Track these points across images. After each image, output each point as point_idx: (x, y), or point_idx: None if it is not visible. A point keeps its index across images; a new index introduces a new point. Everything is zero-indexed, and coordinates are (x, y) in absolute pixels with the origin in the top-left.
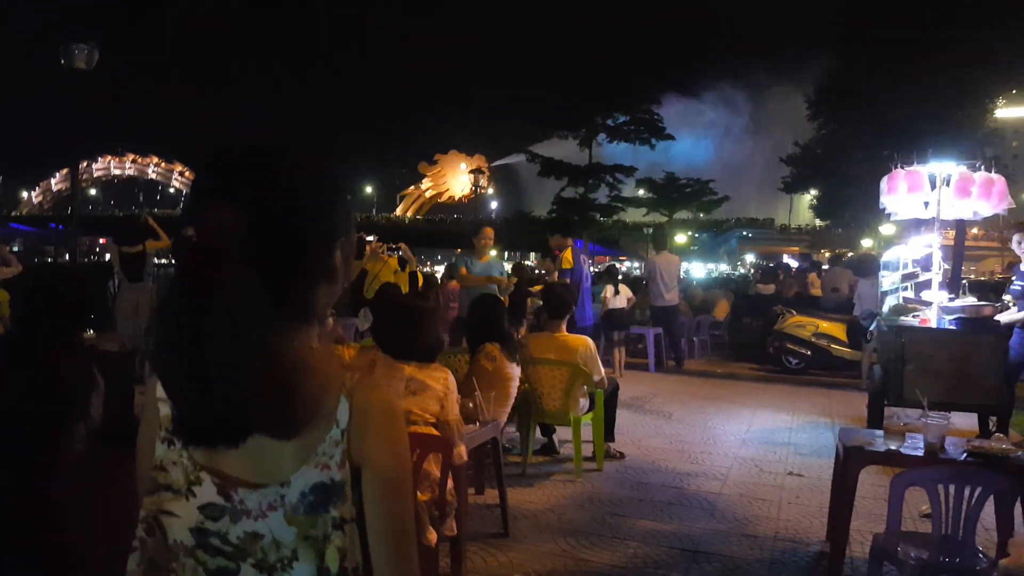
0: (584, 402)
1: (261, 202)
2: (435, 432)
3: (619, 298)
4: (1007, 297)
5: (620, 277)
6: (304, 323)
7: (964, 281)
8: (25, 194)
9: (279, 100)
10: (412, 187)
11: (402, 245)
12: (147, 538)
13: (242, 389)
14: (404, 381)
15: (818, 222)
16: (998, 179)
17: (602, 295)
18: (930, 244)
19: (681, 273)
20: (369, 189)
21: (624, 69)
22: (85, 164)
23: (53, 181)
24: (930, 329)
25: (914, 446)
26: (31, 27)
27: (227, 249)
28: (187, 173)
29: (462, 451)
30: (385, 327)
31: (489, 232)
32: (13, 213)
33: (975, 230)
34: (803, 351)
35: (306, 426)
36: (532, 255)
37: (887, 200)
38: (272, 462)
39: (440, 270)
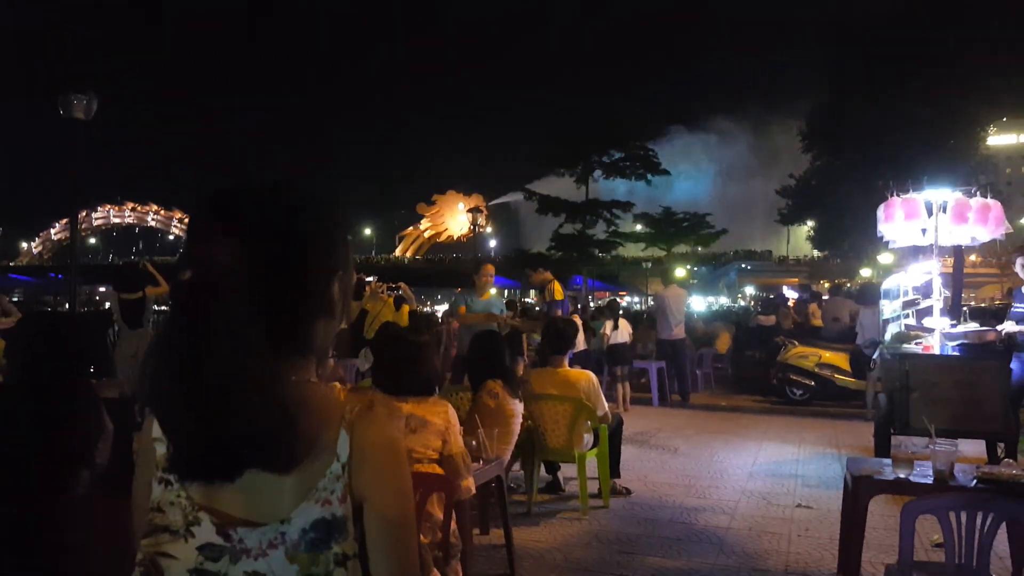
0: (588, 438)
1: (259, 236)
2: (439, 470)
3: (619, 333)
4: (1008, 323)
5: (620, 312)
6: (303, 357)
7: (965, 308)
8: (24, 244)
9: (277, 144)
10: (411, 228)
11: (402, 284)
12: None
13: (239, 421)
14: (403, 419)
15: (816, 253)
16: (994, 204)
17: (602, 331)
18: (929, 271)
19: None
20: (368, 231)
21: (620, 106)
22: (84, 213)
23: (52, 231)
24: (934, 356)
25: (923, 474)
26: (30, 77)
27: (224, 283)
28: (186, 219)
29: (470, 484)
30: (384, 363)
31: (490, 269)
32: (12, 263)
33: (973, 257)
34: (807, 382)
35: (304, 459)
36: (532, 292)
37: (884, 228)
38: (272, 499)
39: (441, 309)
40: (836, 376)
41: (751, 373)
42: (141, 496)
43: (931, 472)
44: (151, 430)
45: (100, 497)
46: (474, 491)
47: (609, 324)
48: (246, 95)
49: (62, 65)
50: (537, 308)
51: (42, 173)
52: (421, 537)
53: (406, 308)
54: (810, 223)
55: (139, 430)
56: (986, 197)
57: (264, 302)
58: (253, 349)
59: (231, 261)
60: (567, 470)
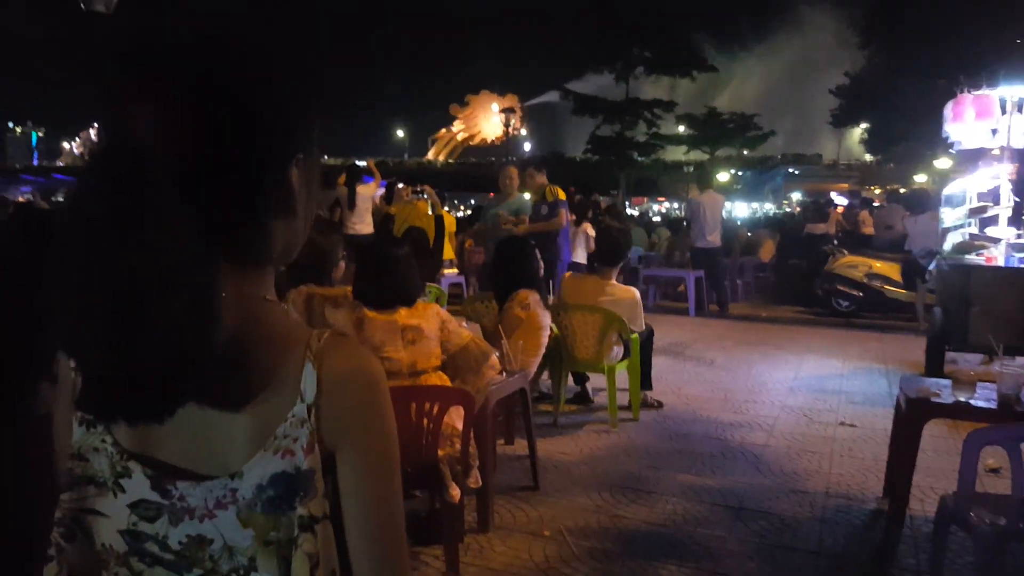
0: (618, 350)
1: (187, 101)
2: (445, 379)
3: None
4: None
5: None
6: (255, 267)
7: None
8: (66, 145)
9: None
10: (443, 130)
11: (426, 187)
12: (66, 545)
13: (167, 343)
14: (400, 331)
15: (868, 157)
16: None
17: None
18: (998, 176)
19: (724, 213)
20: (400, 133)
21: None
22: None
23: (92, 131)
24: (998, 268)
25: (986, 397)
26: None
27: (143, 164)
28: None
29: (495, 362)
30: (368, 275)
31: (511, 171)
32: (58, 163)
33: None
34: (854, 293)
35: (258, 395)
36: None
37: (951, 128)
38: (219, 446)
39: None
40: (886, 287)
41: (795, 283)
42: (63, 438)
43: (995, 396)
44: None
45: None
46: (500, 367)
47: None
48: None
49: None
50: (543, 211)
51: (79, 72)
52: (439, 450)
53: (434, 214)
54: (864, 125)
55: None
56: None
57: (195, 191)
58: (182, 248)
59: (151, 135)
60: (596, 381)
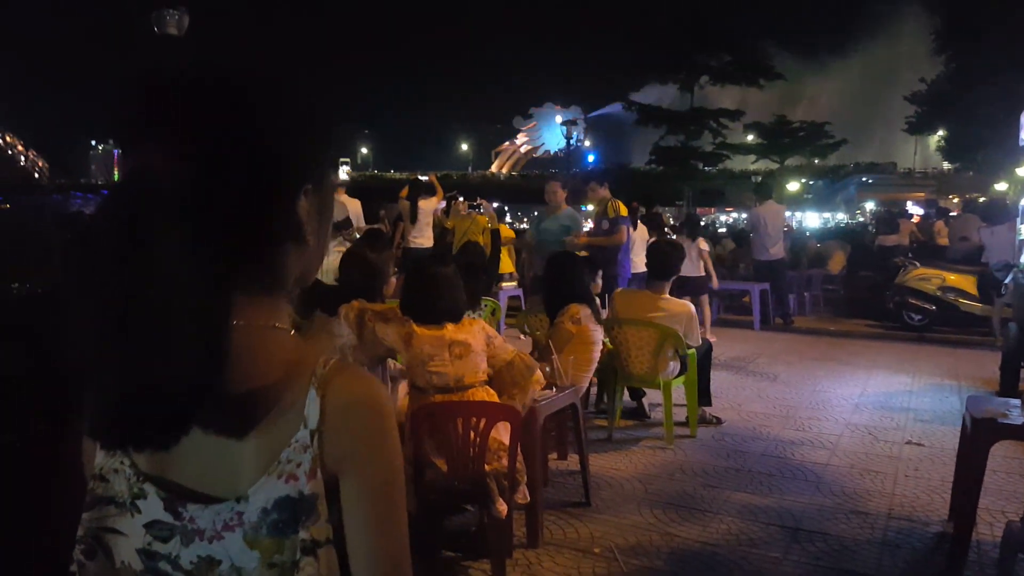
0: (674, 365)
1: (194, 135)
2: (492, 394)
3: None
4: None
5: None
6: (266, 295)
7: None
8: None
9: (370, 57)
10: (507, 143)
11: (482, 201)
12: (87, 562)
13: (173, 373)
14: (447, 346)
15: (946, 165)
16: None
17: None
18: None
19: (790, 223)
20: (464, 146)
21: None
22: None
23: None
24: None
25: None
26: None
27: (153, 198)
28: None
29: (540, 377)
30: (414, 292)
31: (553, 187)
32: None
33: None
34: (927, 306)
35: (263, 421)
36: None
37: None
38: (226, 470)
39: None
40: (960, 300)
41: (866, 296)
42: (92, 459)
43: None
44: None
45: None
46: (544, 382)
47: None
48: (338, 11)
49: None
50: (604, 226)
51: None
52: (486, 466)
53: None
54: (941, 132)
55: None
56: None
57: (203, 224)
58: (187, 280)
59: (161, 170)
60: (653, 396)
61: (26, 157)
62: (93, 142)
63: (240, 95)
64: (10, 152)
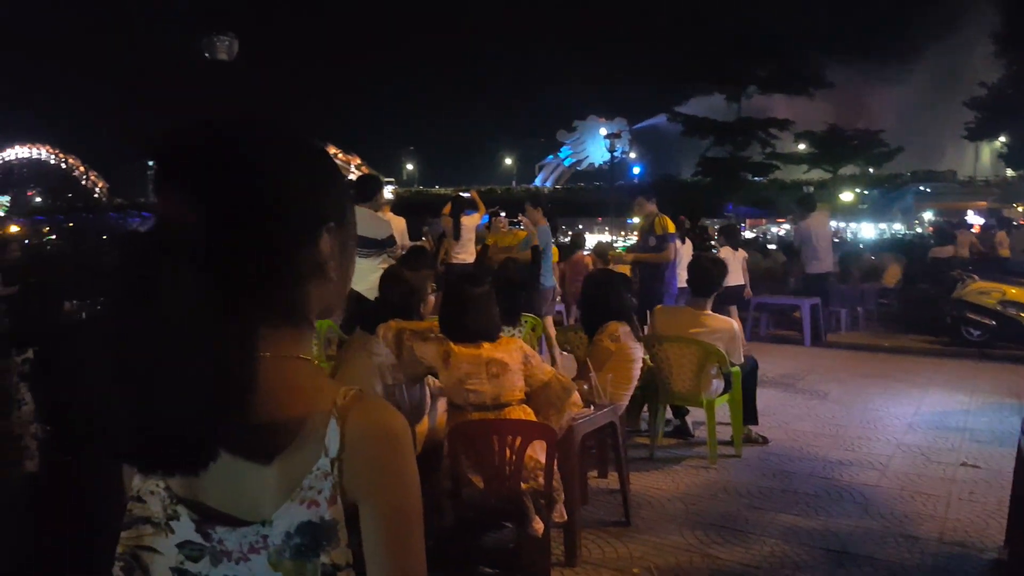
0: (718, 383)
1: (216, 185)
2: (529, 412)
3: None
4: None
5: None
6: (290, 328)
7: None
8: None
9: (415, 77)
10: (551, 157)
11: (522, 218)
12: None
13: (194, 407)
14: (484, 364)
15: (1009, 172)
16: None
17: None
18: None
19: (848, 235)
20: (508, 160)
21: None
22: None
23: None
24: None
25: None
26: (172, 23)
27: (177, 243)
28: (363, 167)
29: (577, 399)
30: (449, 312)
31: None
32: None
33: None
34: (986, 321)
35: (286, 449)
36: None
37: None
38: (252, 495)
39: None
40: (1022, 315)
41: (922, 311)
42: (129, 484)
43: None
44: None
45: None
46: (581, 404)
47: (726, 251)
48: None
49: (202, 6)
50: (651, 242)
51: (192, 115)
52: (522, 484)
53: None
54: (1002, 139)
55: None
56: None
57: (228, 264)
58: (206, 319)
59: (180, 219)
60: (697, 414)
61: (87, 177)
62: (149, 163)
63: (262, 152)
64: (74, 173)
